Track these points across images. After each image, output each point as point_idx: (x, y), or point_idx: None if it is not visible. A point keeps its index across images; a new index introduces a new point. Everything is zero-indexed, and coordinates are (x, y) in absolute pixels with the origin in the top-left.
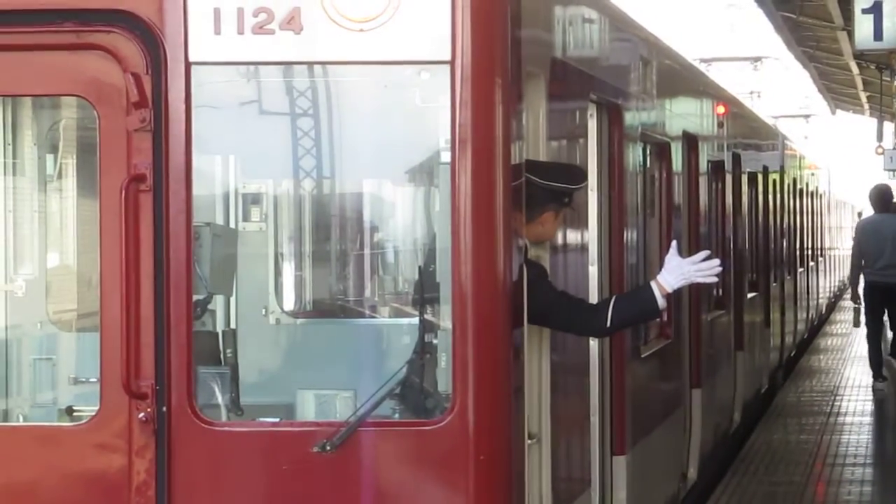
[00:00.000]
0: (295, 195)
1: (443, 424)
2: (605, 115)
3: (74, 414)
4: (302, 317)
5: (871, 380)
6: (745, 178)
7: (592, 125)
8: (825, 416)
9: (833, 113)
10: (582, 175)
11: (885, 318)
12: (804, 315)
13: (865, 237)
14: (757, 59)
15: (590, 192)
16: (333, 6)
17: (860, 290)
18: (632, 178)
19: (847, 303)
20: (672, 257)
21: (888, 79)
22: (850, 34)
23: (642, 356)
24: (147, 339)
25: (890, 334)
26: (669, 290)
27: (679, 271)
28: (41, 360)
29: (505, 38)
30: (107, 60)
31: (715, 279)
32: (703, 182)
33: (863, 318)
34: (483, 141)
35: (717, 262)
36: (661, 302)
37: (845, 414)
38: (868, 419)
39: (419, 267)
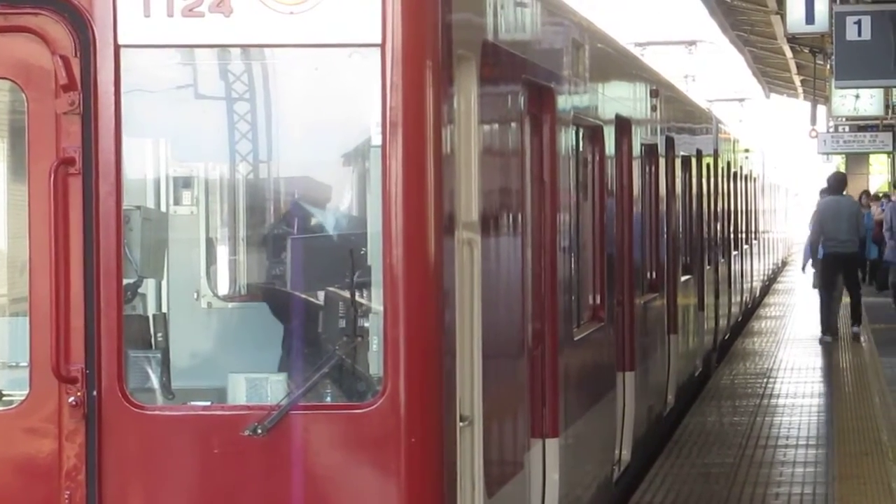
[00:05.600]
0: (226, 178)
1: (374, 407)
2: (538, 98)
3: (4, 398)
4: (233, 301)
5: (804, 360)
6: (678, 162)
7: (525, 108)
8: (758, 399)
9: (767, 97)
10: None
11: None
12: (738, 298)
13: (827, 215)
14: (691, 43)
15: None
16: None
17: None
18: (564, 161)
19: (781, 286)
20: None
21: (821, 62)
22: (783, 17)
23: (575, 339)
24: (77, 323)
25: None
26: None
27: None
28: None
29: (435, 21)
30: (35, 43)
31: None
32: (636, 166)
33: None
34: (414, 124)
35: None
36: None
37: (778, 396)
38: (800, 401)
39: (350, 250)
